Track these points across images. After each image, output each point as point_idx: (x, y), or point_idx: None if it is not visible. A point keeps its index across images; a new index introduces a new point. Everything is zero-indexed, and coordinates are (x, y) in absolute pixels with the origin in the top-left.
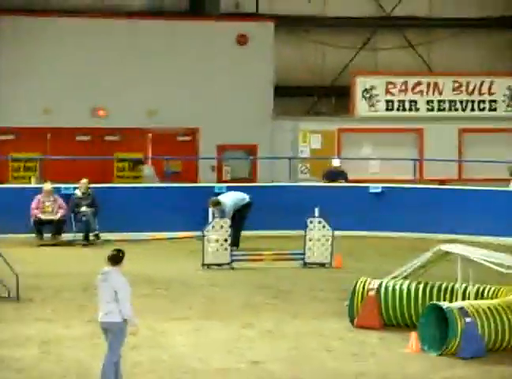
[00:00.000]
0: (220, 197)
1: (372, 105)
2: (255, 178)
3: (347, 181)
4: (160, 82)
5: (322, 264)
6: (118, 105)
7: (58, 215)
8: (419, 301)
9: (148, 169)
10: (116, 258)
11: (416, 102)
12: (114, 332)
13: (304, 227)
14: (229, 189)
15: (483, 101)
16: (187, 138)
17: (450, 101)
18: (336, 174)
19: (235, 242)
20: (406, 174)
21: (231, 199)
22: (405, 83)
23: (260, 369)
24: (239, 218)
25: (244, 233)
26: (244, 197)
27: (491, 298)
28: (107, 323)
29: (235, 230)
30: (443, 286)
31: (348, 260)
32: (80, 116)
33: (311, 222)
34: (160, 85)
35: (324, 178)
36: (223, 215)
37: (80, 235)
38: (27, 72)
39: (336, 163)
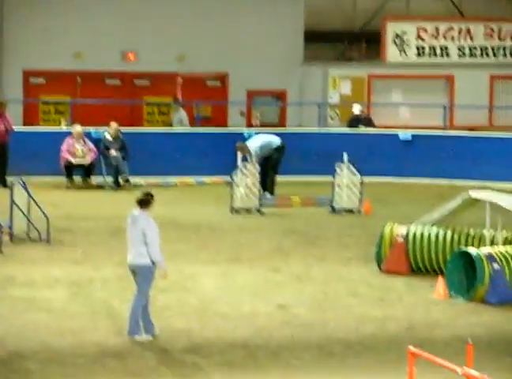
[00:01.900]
0: (248, 142)
1: (403, 50)
2: (284, 123)
3: (371, 126)
4: (190, 26)
5: (351, 210)
6: (148, 49)
7: (89, 159)
8: (447, 247)
9: (183, 111)
10: (145, 201)
11: (447, 48)
12: (143, 275)
13: (333, 172)
14: (258, 134)
15: None
16: (217, 83)
17: (482, 47)
18: (357, 121)
19: (270, 187)
20: (436, 120)
21: (257, 143)
22: (437, 28)
23: (287, 313)
24: (271, 163)
25: None
26: (273, 141)
27: None
28: (136, 265)
29: (267, 175)
30: (471, 232)
31: (377, 207)
32: (111, 60)
33: (340, 168)
34: (189, 30)
35: (347, 126)
36: (250, 158)
37: (109, 179)
38: (57, 15)
39: (356, 109)
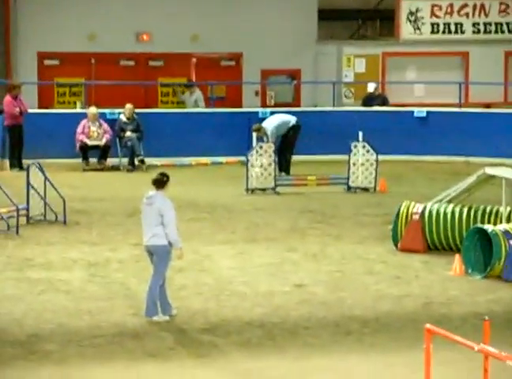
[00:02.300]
0: (263, 122)
1: (417, 28)
2: (299, 102)
3: (386, 104)
4: (203, 6)
5: (366, 189)
6: (162, 30)
7: (104, 141)
8: (463, 224)
9: (199, 92)
10: (161, 182)
11: (461, 24)
12: (160, 255)
13: (348, 151)
14: (273, 113)
15: None
16: (231, 63)
17: (497, 23)
18: (371, 100)
19: (285, 167)
20: (451, 98)
21: (273, 123)
22: (451, 5)
23: (304, 292)
24: (287, 143)
25: None
26: (289, 120)
27: None
28: (152, 246)
29: (283, 155)
30: (487, 209)
31: (392, 185)
32: (124, 41)
33: (355, 146)
34: (203, 10)
35: (361, 104)
36: (266, 140)
37: (125, 160)
38: None
39: (370, 88)
